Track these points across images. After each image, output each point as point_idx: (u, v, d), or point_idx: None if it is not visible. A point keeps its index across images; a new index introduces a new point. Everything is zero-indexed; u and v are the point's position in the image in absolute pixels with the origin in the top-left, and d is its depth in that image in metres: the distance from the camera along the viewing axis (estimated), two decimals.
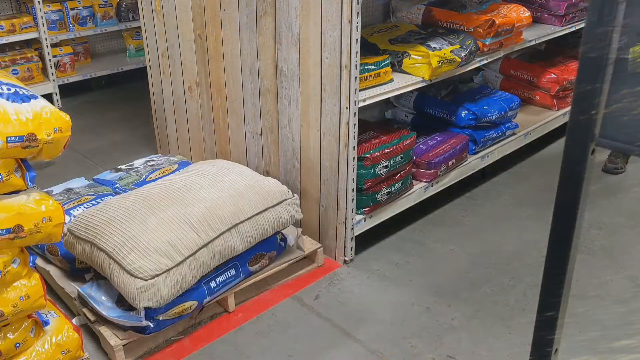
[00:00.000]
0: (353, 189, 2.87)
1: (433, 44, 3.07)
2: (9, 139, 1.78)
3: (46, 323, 2.20)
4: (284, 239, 2.91)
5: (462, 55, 3.07)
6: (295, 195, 2.89)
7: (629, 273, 2.97)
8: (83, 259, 2.60)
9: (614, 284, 2.89)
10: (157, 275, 2.33)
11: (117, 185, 3.26)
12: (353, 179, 2.84)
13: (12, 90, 1.86)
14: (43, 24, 4.79)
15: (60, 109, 1.93)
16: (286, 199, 2.81)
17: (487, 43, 3.24)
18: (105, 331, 2.44)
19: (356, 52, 2.59)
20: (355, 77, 2.64)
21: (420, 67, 3.03)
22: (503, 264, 3.06)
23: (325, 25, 2.62)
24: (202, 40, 3.30)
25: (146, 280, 2.31)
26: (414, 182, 3.26)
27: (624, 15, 0.91)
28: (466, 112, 3.50)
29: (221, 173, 2.81)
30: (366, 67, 2.81)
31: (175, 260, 2.39)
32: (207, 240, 2.49)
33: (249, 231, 2.64)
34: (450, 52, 3.04)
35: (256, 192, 2.74)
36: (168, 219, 2.50)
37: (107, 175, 3.44)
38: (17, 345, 2.08)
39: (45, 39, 4.84)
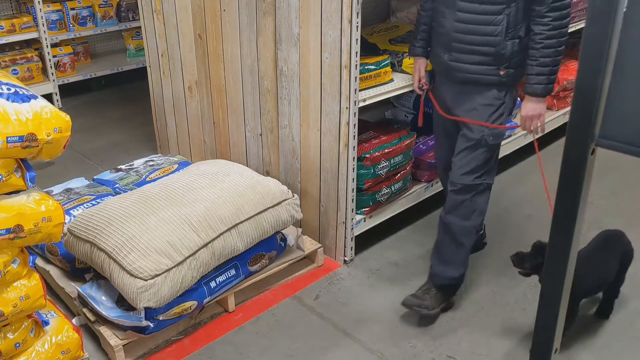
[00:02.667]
0: (353, 189, 2.87)
1: None
2: (9, 139, 1.78)
3: (46, 323, 2.20)
4: (284, 239, 2.91)
5: None
6: (295, 195, 2.89)
7: (629, 273, 2.97)
8: (83, 259, 2.60)
9: None
10: (157, 275, 2.33)
11: (117, 185, 3.26)
12: (353, 179, 2.84)
13: (12, 90, 1.86)
14: (43, 24, 4.79)
15: (60, 109, 1.93)
16: (286, 199, 2.81)
17: None
18: (105, 331, 2.44)
19: (356, 52, 2.59)
20: (355, 77, 2.64)
21: None
22: (503, 264, 3.06)
23: (325, 25, 2.62)
24: (202, 40, 3.30)
25: (146, 280, 2.31)
26: (414, 182, 3.26)
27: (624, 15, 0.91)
28: None
29: (221, 173, 2.81)
30: (366, 67, 2.81)
31: (175, 260, 2.39)
32: (207, 240, 2.49)
33: (249, 231, 2.64)
34: None
35: (256, 192, 2.74)
36: (168, 219, 2.50)
37: (107, 175, 3.44)
38: (17, 345, 2.08)
39: (45, 39, 4.83)
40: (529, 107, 2.40)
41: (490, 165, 2.57)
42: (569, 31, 3.95)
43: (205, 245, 2.49)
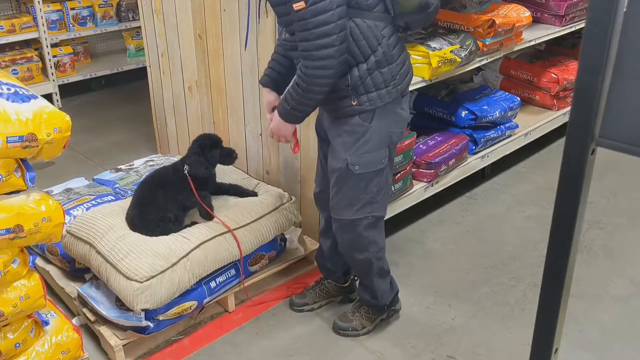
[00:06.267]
0: None
1: (433, 44, 3.06)
2: (9, 139, 1.78)
3: (46, 323, 2.20)
4: (284, 240, 2.91)
5: (462, 55, 3.07)
6: (293, 197, 2.89)
7: (629, 273, 2.97)
8: (81, 262, 2.60)
9: (614, 284, 2.89)
10: (152, 277, 2.33)
11: (117, 185, 3.26)
12: None
13: (12, 90, 1.86)
14: (43, 24, 4.79)
15: (60, 109, 1.93)
16: (283, 204, 2.81)
17: (487, 43, 3.24)
18: (105, 331, 2.44)
19: None
20: None
21: (420, 67, 3.02)
22: (503, 264, 3.06)
23: None
24: (202, 40, 3.30)
25: (141, 282, 2.31)
26: (414, 182, 3.26)
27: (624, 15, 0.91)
28: (466, 112, 3.50)
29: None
30: None
31: (170, 261, 2.39)
32: (199, 242, 2.50)
33: (246, 237, 2.63)
34: (450, 52, 3.03)
35: (252, 200, 2.75)
36: None
37: (107, 175, 3.44)
38: (17, 345, 2.08)
39: (45, 39, 4.83)
40: (275, 120, 2.25)
41: (373, 195, 2.29)
42: (569, 31, 3.98)
43: (198, 246, 2.49)
